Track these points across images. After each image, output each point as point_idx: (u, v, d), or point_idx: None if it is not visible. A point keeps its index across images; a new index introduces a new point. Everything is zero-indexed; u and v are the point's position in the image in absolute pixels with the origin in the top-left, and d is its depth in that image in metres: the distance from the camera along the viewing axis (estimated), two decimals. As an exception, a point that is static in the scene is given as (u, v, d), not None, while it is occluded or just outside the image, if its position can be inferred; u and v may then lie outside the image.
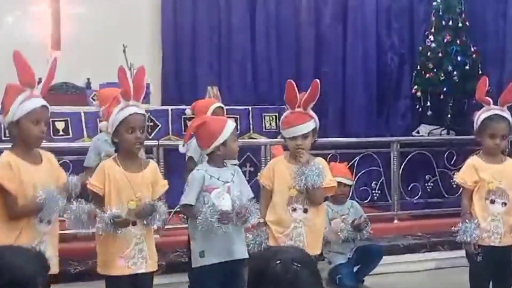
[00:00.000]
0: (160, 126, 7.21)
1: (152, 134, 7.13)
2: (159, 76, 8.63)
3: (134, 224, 3.93)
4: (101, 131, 5.37)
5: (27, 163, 3.72)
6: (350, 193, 6.73)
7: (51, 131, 6.72)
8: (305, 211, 4.50)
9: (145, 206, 3.93)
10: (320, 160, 4.60)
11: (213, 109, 5.65)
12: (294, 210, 4.49)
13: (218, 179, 4.25)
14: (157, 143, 6.55)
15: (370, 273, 6.04)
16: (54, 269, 3.83)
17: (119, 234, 3.85)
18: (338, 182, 5.81)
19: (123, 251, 3.94)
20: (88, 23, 8.24)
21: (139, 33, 8.49)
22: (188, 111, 6.23)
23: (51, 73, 3.91)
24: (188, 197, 4.26)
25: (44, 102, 3.80)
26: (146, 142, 6.68)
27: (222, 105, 5.77)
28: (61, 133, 6.83)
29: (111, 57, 7.77)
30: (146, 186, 4.02)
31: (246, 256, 4.25)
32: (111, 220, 3.79)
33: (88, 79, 8.24)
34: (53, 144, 5.86)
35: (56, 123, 6.81)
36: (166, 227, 6.22)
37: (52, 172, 3.90)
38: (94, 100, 7.56)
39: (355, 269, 5.98)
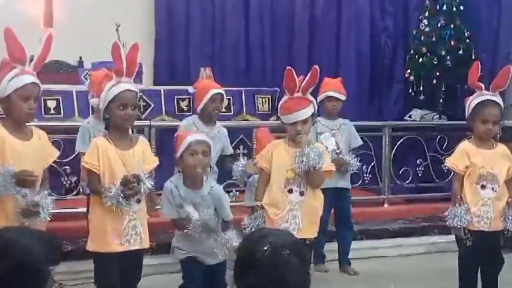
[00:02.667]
0: (153, 105, 7.19)
1: (145, 114, 7.12)
2: (152, 57, 8.60)
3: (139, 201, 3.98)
4: (92, 112, 5.34)
5: (14, 138, 3.72)
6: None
7: (43, 109, 6.69)
8: (302, 193, 4.51)
9: (129, 178, 3.89)
10: (319, 145, 4.62)
11: (212, 94, 5.55)
12: (291, 191, 4.50)
13: (183, 198, 4.25)
14: (149, 123, 6.52)
15: (358, 256, 6.05)
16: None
17: (115, 211, 3.87)
18: (330, 96, 5.87)
19: (116, 228, 3.95)
20: (81, 1, 8.18)
21: (133, 13, 8.44)
22: (191, 90, 6.18)
23: (46, 49, 3.90)
24: (165, 210, 4.34)
25: (34, 79, 3.79)
26: (138, 122, 6.75)
27: (222, 92, 5.65)
28: (52, 111, 6.81)
29: (104, 36, 7.70)
30: (137, 163, 4.02)
31: (221, 260, 4.23)
32: (122, 194, 3.81)
33: (81, 57, 8.20)
34: (44, 123, 5.83)
35: (48, 101, 6.79)
36: (156, 207, 6.25)
37: (41, 149, 3.88)
38: (86, 79, 7.53)
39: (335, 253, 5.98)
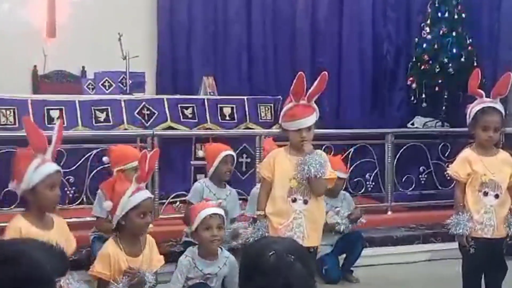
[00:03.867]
0: (157, 113, 7.20)
1: (149, 122, 7.13)
2: (154, 66, 8.62)
3: None
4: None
5: (37, 229, 3.70)
6: (344, 185, 6.75)
7: (46, 119, 6.71)
8: (305, 202, 4.53)
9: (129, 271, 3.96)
10: (321, 152, 4.64)
11: (223, 156, 5.62)
12: (294, 201, 4.52)
13: (200, 271, 4.34)
14: (152, 133, 6.54)
15: (361, 263, 6.06)
16: None
17: None
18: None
19: None
20: (84, 10, 8.20)
21: (135, 22, 8.47)
22: (200, 153, 6.21)
23: (59, 136, 3.92)
24: (173, 282, 4.40)
25: (57, 167, 3.83)
26: (141, 131, 6.78)
27: (233, 154, 5.75)
28: (55, 121, 6.82)
29: (107, 46, 7.78)
30: (144, 266, 4.04)
31: None
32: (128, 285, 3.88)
33: (83, 67, 8.23)
34: (47, 132, 5.83)
35: (51, 111, 6.80)
36: (160, 216, 6.27)
37: (61, 235, 3.84)
38: (89, 89, 7.56)
39: (341, 260, 6.01)
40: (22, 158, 3.76)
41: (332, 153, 6.44)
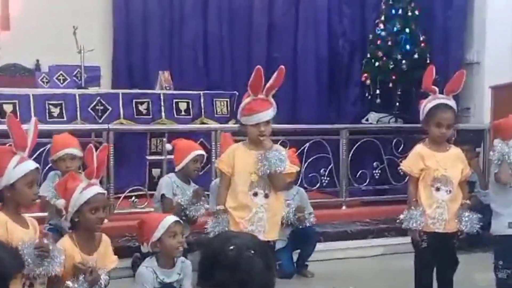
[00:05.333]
0: (110, 109, 7.16)
1: (103, 118, 7.09)
2: (110, 59, 8.56)
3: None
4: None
5: (16, 225, 3.68)
6: (299, 180, 6.79)
7: (-2, 113, 6.63)
8: (266, 196, 4.54)
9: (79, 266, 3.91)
10: (280, 147, 4.66)
11: (194, 155, 5.66)
12: (256, 195, 4.53)
13: (162, 281, 4.31)
14: (107, 127, 6.51)
15: (315, 257, 6.10)
16: None
17: None
18: None
19: None
20: (38, 3, 8.13)
21: (90, 15, 8.41)
22: (168, 146, 6.17)
23: (34, 136, 3.88)
24: None
25: (36, 165, 3.81)
26: (96, 126, 6.73)
27: (204, 154, 5.81)
28: (7, 116, 6.71)
29: (62, 39, 7.70)
30: (98, 264, 3.98)
31: None
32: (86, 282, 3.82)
33: (38, 60, 8.14)
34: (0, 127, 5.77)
35: (4, 105, 6.71)
36: (114, 211, 6.24)
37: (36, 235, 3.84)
38: (43, 83, 7.48)
39: (295, 255, 6.05)
40: (2, 155, 3.73)
41: (287, 147, 6.47)
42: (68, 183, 4.08)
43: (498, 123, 4.89)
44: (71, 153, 5.31)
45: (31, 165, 3.74)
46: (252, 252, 2.18)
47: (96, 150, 4.15)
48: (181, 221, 4.48)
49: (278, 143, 5.61)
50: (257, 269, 2.16)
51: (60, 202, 4.07)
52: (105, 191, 4.18)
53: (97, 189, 4.02)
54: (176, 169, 5.72)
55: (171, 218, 4.37)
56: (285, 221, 5.61)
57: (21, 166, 3.69)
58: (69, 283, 3.81)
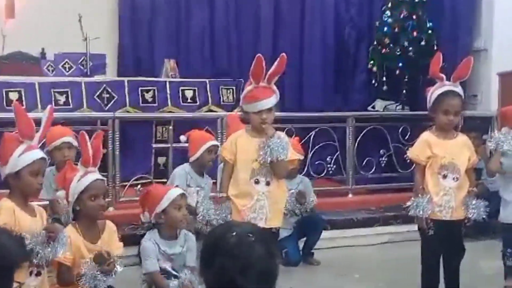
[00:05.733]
0: (116, 97, 7.15)
1: (108, 106, 7.08)
2: (116, 47, 8.53)
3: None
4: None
5: (24, 213, 3.67)
6: (305, 168, 6.78)
7: (4, 101, 6.63)
8: (268, 183, 4.54)
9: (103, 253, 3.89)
10: (282, 134, 4.65)
11: (209, 145, 5.68)
12: (257, 182, 4.52)
13: (164, 252, 4.35)
14: (112, 115, 6.50)
15: (321, 245, 6.10)
16: None
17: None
18: None
19: None
20: (44, -9, 8.09)
21: (96, 2, 8.37)
22: (183, 138, 6.14)
23: (47, 124, 3.88)
24: (148, 266, 4.37)
25: (43, 154, 3.78)
26: (102, 114, 6.73)
27: (218, 144, 5.79)
28: (14, 103, 6.71)
29: (67, 27, 7.68)
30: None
31: None
32: (99, 272, 3.80)
33: (43, 48, 8.11)
34: (5, 114, 5.77)
35: (10, 93, 6.71)
36: (120, 199, 6.24)
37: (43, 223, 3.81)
38: (49, 71, 7.46)
39: (300, 243, 6.04)
40: (9, 142, 3.71)
41: (294, 135, 6.45)
42: (67, 174, 4.08)
43: (504, 110, 4.87)
44: (68, 141, 5.32)
45: (36, 154, 3.71)
46: (253, 238, 2.18)
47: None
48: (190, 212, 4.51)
49: (285, 131, 5.62)
50: (257, 255, 2.16)
51: (61, 194, 4.07)
52: (104, 178, 4.16)
53: (94, 176, 4.01)
54: (191, 160, 5.71)
55: (176, 191, 4.42)
56: (287, 210, 5.62)
57: (26, 155, 3.67)
58: (84, 269, 3.80)
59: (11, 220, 3.56)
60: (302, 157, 6.11)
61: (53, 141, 5.31)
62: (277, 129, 4.67)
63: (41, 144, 3.95)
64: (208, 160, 5.68)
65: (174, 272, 4.39)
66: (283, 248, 5.79)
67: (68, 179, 4.04)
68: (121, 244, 4.17)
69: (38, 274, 3.68)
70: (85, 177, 3.97)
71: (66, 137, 5.33)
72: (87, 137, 4.07)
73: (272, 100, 4.51)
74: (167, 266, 4.40)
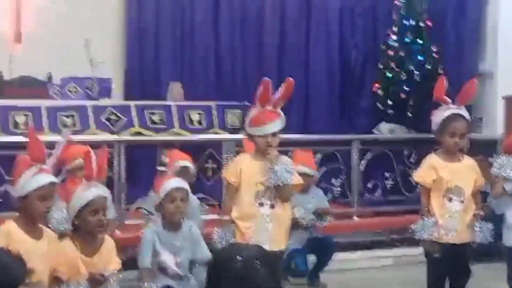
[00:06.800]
0: (123, 119, 7.17)
1: (116, 127, 7.10)
2: (122, 72, 8.58)
3: None
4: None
5: (26, 235, 3.68)
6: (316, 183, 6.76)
7: (11, 124, 6.66)
8: (272, 206, 4.53)
9: (97, 276, 3.90)
10: (286, 158, 4.66)
11: (180, 166, 5.35)
12: (261, 205, 4.52)
13: (167, 243, 4.38)
14: (118, 138, 6.52)
15: (327, 268, 6.08)
16: None
17: None
18: (301, 173, 5.87)
19: None
20: (51, 16, 8.14)
21: (102, 28, 8.42)
22: (164, 158, 6.10)
23: (64, 150, 3.94)
24: (142, 261, 4.42)
25: (53, 179, 3.78)
26: (109, 138, 6.74)
27: (188, 165, 5.44)
28: (21, 127, 6.76)
29: (74, 51, 7.73)
30: (99, 266, 3.98)
31: None
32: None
33: (50, 73, 8.15)
34: (13, 138, 5.80)
35: (16, 117, 6.75)
36: (126, 222, 6.24)
37: (51, 251, 3.82)
38: (55, 94, 7.51)
39: (310, 262, 6.02)
40: (20, 164, 3.74)
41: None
42: (68, 186, 4.08)
43: (507, 144, 4.89)
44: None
45: (45, 179, 3.72)
46: (259, 264, 2.18)
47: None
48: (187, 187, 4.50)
49: (289, 154, 5.62)
50: (263, 281, 2.16)
51: (62, 206, 4.08)
52: (106, 195, 4.11)
53: (97, 191, 3.99)
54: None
55: (172, 183, 4.42)
56: (305, 223, 5.66)
57: (35, 178, 3.68)
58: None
59: (5, 244, 3.51)
60: (315, 173, 6.09)
61: (74, 160, 5.27)
62: (281, 151, 4.68)
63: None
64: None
65: (174, 268, 4.39)
66: (293, 257, 5.74)
67: (69, 192, 4.02)
68: (119, 260, 4.15)
69: None
70: (87, 192, 3.95)
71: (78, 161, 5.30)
72: (92, 153, 4.06)
73: (277, 124, 4.52)
74: (170, 259, 4.38)
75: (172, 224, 4.43)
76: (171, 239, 4.38)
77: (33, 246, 3.67)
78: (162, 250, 4.38)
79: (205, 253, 4.46)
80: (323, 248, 5.97)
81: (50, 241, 3.84)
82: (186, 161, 5.52)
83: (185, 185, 4.53)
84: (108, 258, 4.05)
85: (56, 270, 3.87)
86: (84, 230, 3.98)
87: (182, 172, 5.23)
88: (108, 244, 4.09)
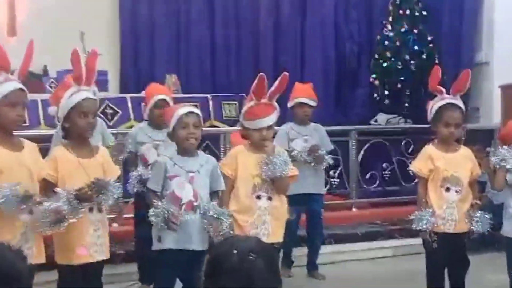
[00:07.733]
0: (120, 112, 7.16)
1: (113, 121, 7.08)
2: (118, 64, 8.56)
3: (91, 209, 3.87)
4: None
5: (5, 149, 3.63)
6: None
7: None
8: (270, 198, 4.53)
9: (98, 181, 3.83)
10: (281, 150, 4.66)
11: (156, 100, 5.48)
12: (259, 198, 4.51)
13: (181, 167, 4.25)
14: (115, 131, 6.50)
15: (326, 260, 6.09)
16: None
17: (78, 220, 3.75)
18: (302, 103, 5.87)
19: (83, 239, 3.87)
20: (45, 9, 8.13)
21: (98, 20, 8.41)
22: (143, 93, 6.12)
23: (28, 57, 3.86)
24: (151, 183, 4.31)
25: (21, 85, 3.73)
26: (108, 130, 6.72)
27: (166, 98, 5.55)
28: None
29: (69, 44, 7.64)
30: (100, 170, 3.95)
31: (205, 248, 4.23)
32: (74, 196, 3.71)
33: (45, 66, 8.14)
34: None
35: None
36: (124, 216, 6.21)
37: (35, 162, 3.78)
38: (51, 88, 7.48)
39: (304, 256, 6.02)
40: None
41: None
42: (59, 91, 4.04)
43: (504, 134, 4.89)
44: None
45: (13, 85, 3.68)
46: (255, 256, 2.18)
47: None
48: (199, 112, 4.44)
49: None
50: (259, 274, 2.16)
51: (52, 109, 4.01)
52: (97, 98, 4.08)
53: (86, 93, 3.93)
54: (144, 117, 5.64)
55: (183, 109, 4.34)
56: (298, 156, 5.64)
57: (2, 86, 3.65)
58: (58, 189, 3.75)
59: None
60: (315, 104, 6.05)
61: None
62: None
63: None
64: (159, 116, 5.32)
65: (191, 198, 4.24)
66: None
67: (59, 96, 3.97)
68: (117, 167, 4.16)
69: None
70: (76, 94, 3.90)
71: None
72: (80, 54, 4.01)
73: (272, 118, 4.52)
74: (184, 189, 4.25)
75: (186, 151, 4.31)
76: (188, 163, 4.28)
77: (14, 158, 3.63)
78: (177, 174, 4.27)
79: (221, 183, 4.39)
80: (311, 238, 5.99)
81: (30, 150, 3.79)
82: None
83: (196, 110, 4.43)
84: (106, 165, 4.03)
85: (45, 174, 3.84)
86: (75, 133, 3.94)
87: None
88: (103, 152, 4.09)
